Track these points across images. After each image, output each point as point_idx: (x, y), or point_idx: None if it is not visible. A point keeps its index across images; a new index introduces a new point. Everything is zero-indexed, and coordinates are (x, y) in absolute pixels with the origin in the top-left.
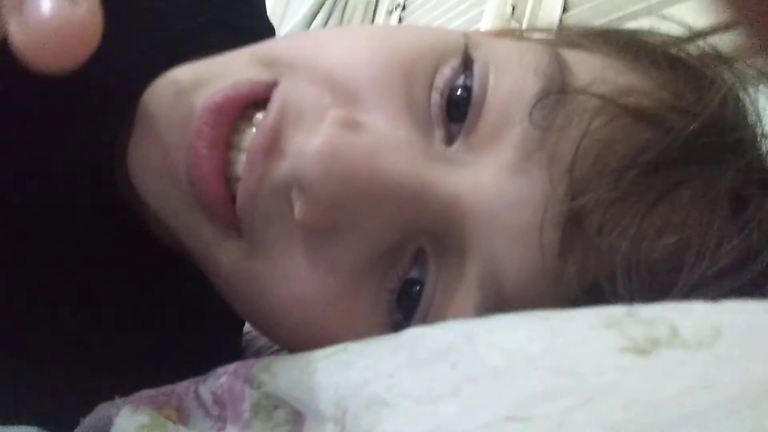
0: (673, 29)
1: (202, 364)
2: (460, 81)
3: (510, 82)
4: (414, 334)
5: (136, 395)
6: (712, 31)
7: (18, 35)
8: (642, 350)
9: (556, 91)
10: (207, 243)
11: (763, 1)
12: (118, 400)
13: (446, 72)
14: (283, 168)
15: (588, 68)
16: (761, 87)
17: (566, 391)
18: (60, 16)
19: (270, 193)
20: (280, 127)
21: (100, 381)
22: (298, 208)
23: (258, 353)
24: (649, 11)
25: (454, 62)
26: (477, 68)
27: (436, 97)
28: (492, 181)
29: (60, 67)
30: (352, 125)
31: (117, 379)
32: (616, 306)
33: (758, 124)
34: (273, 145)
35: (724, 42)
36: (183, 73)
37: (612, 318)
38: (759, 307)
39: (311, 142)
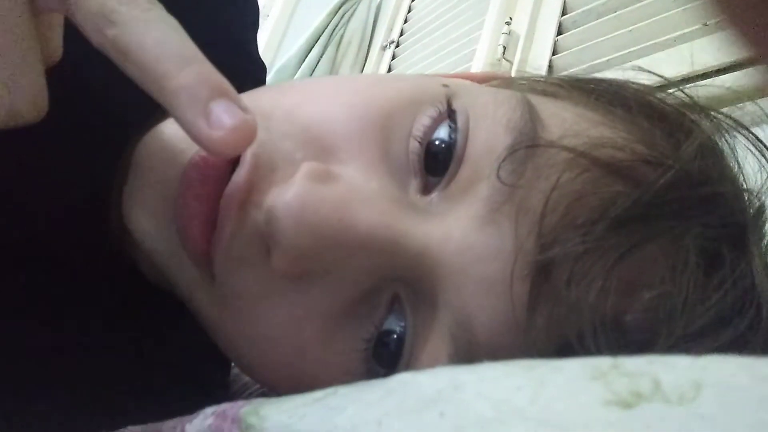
0: (654, 77)
1: (189, 397)
2: (442, 132)
3: (483, 135)
4: (403, 380)
5: (122, 431)
6: (691, 79)
7: (205, 135)
8: (625, 404)
9: (527, 145)
10: (191, 287)
11: (761, 9)
12: None
13: (424, 121)
14: (257, 218)
15: (560, 120)
16: (739, 136)
17: None
18: (239, 122)
19: (244, 242)
20: (253, 179)
21: (86, 415)
22: (272, 257)
23: (245, 386)
24: (635, 56)
25: (432, 111)
26: (460, 120)
27: (414, 144)
28: (462, 232)
29: (230, 155)
30: (324, 177)
31: (103, 413)
32: (601, 357)
33: (738, 175)
34: (247, 197)
35: (709, 88)
36: (176, 129)
37: (597, 369)
38: (740, 363)
39: (283, 194)
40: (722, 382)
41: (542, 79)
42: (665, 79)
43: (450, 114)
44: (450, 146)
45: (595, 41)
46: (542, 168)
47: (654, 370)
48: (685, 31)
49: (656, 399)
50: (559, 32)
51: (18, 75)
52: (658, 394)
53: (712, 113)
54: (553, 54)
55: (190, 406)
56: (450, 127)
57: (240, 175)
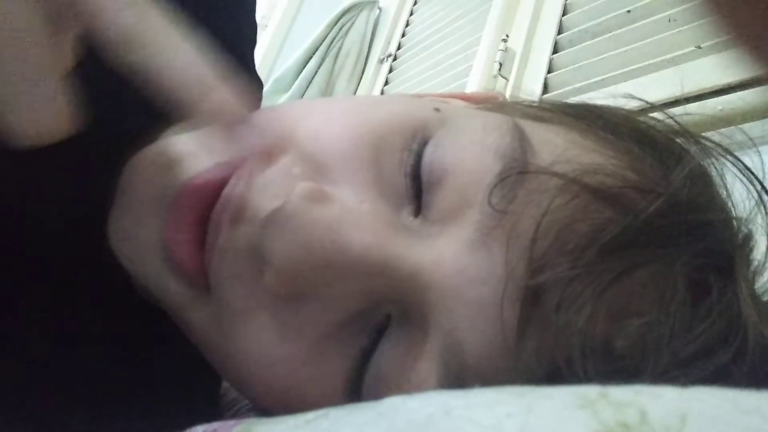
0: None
1: (180, 408)
2: (428, 156)
3: (473, 162)
4: (393, 403)
5: None
6: (684, 101)
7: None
8: None
9: (517, 171)
10: (180, 306)
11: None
12: None
13: (414, 147)
14: (249, 235)
15: (551, 146)
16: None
17: None
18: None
19: (236, 257)
20: (245, 197)
21: (76, 425)
22: (264, 276)
23: (235, 400)
24: (629, 77)
25: (423, 136)
26: (449, 146)
27: (405, 170)
28: (453, 255)
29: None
30: (318, 197)
31: (94, 423)
32: (590, 385)
33: (727, 202)
34: (238, 214)
35: (703, 109)
36: (164, 146)
37: (585, 398)
38: (725, 395)
39: (277, 213)
40: (707, 414)
41: (534, 104)
42: (654, 106)
43: (440, 139)
44: (438, 170)
45: (590, 60)
46: (533, 194)
47: (641, 400)
48: (679, 53)
49: (643, 430)
50: (555, 51)
51: (41, 95)
52: (644, 425)
53: (702, 140)
54: (549, 72)
55: (182, 417)
56: (432, 150)
57: (234, 192)
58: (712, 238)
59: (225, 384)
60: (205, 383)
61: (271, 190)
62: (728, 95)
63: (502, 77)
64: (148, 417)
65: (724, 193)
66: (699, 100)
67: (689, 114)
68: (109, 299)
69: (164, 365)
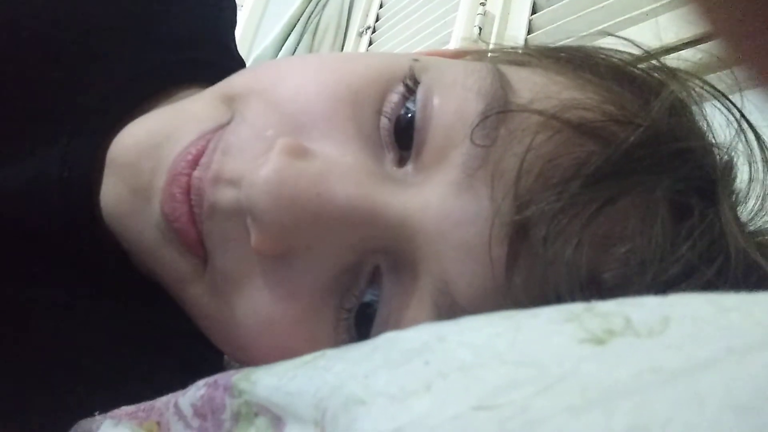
0: (630, 50)
1: (184, 381)
2: (410, 105)
3: (454, 104)
4: (388, 337)
5: (116, 411)
6: (666, 50)
7: None
8: (598, 340)
9: (498, 110)
10: (177, 277)
11: (740, 13)
12: (98, 417)
13: (393, 98)
14: (232, 195)
15: (530, 85)
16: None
17: (530, 380)
18: None
19: (224, 218)
20: (223, 160)
21: (79, 398)
22: (253, 236)
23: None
24: (609, 31)
25: (401, 87)
26: (421, 92)
27: (384, 121)
28: (439, 200)
29: None
30: (300, 153)
31: (97, 396)
32: (575, 303)
33: (708, 132)
34: (218, 175)
35: (683, 59)
36: (153, 123)
37: (571, 313)
38: (706, 297)
39: (260, 170)
40: (689, 314)
41: (512, 50)
42: (637, 45)
43: (413, 86)
44: (421, 115)
45: (569, 18)
46: (515, 132)
47: (625, 310)
48: (657, 5)
49: (627, 334)
50: (534, 11)
51: None
52: (629, 330)
53: (679, 73)
54: (528, 33)
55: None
56: (410, 99)
57: (211, 154)
58: (693, 163)
59: (225, 358)
60: (208, 354)
61: (248, 152)
62: (707, 44)
63: (483, 42)
64: (152, 388)
65: (704, 123)
66: (679, 50)
67: (671, 58)
68: (109, 275)
69: (166, 337)
